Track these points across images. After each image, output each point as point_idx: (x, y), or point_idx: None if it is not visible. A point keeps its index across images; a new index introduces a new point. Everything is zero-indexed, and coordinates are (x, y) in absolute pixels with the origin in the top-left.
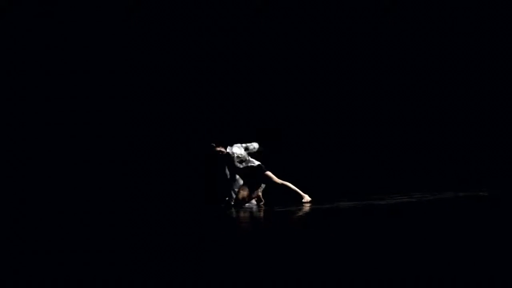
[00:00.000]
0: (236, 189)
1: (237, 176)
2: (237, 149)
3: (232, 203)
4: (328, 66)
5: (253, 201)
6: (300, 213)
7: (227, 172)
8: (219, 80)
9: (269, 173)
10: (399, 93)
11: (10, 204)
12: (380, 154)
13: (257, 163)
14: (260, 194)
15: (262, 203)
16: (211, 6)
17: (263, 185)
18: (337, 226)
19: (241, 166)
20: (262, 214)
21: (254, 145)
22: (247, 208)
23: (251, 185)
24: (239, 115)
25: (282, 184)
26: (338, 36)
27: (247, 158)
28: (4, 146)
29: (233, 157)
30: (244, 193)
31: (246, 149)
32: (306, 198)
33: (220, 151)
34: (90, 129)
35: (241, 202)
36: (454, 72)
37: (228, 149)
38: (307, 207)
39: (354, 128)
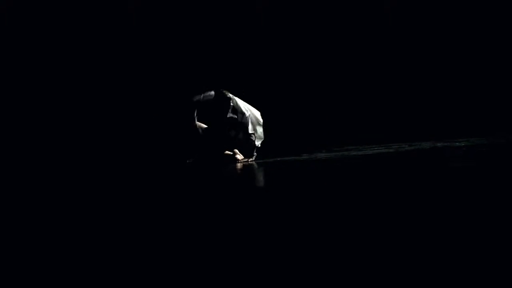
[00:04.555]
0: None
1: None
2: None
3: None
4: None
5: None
6: (279, 164)
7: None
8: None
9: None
10: (377, 42)
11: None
12: (360, 105)
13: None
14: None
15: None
16: None
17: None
18: (314, 176)
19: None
20: (240, 166)
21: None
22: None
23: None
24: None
25: None
26: None
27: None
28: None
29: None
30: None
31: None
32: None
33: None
34: None
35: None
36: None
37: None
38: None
39: (333, 79)
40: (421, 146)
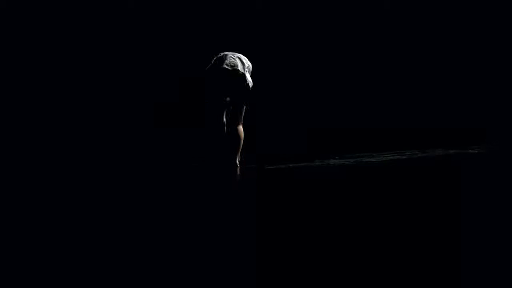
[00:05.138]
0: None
1: None
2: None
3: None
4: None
5: None
6: (292, 171)
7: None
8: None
9: None
10: (386, 46)
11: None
12: (372, 111)
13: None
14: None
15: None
16: None
17: None
18: (329, 183)
19: None
20: (251, 172)
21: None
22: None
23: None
24: None
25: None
26: None
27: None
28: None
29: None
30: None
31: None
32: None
33: None
34: None
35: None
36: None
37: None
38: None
39: (345, 85)
40: (434, 153)
